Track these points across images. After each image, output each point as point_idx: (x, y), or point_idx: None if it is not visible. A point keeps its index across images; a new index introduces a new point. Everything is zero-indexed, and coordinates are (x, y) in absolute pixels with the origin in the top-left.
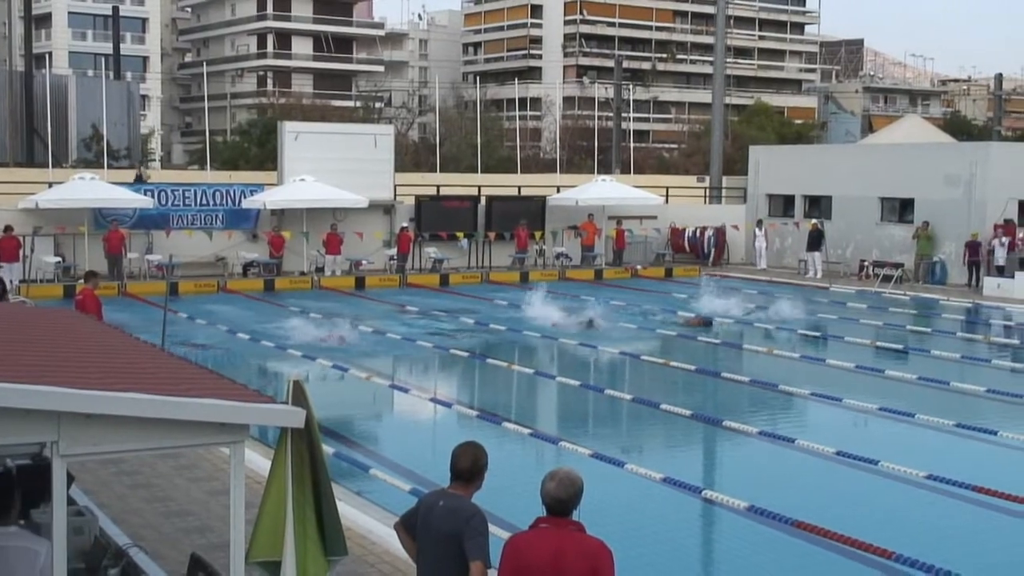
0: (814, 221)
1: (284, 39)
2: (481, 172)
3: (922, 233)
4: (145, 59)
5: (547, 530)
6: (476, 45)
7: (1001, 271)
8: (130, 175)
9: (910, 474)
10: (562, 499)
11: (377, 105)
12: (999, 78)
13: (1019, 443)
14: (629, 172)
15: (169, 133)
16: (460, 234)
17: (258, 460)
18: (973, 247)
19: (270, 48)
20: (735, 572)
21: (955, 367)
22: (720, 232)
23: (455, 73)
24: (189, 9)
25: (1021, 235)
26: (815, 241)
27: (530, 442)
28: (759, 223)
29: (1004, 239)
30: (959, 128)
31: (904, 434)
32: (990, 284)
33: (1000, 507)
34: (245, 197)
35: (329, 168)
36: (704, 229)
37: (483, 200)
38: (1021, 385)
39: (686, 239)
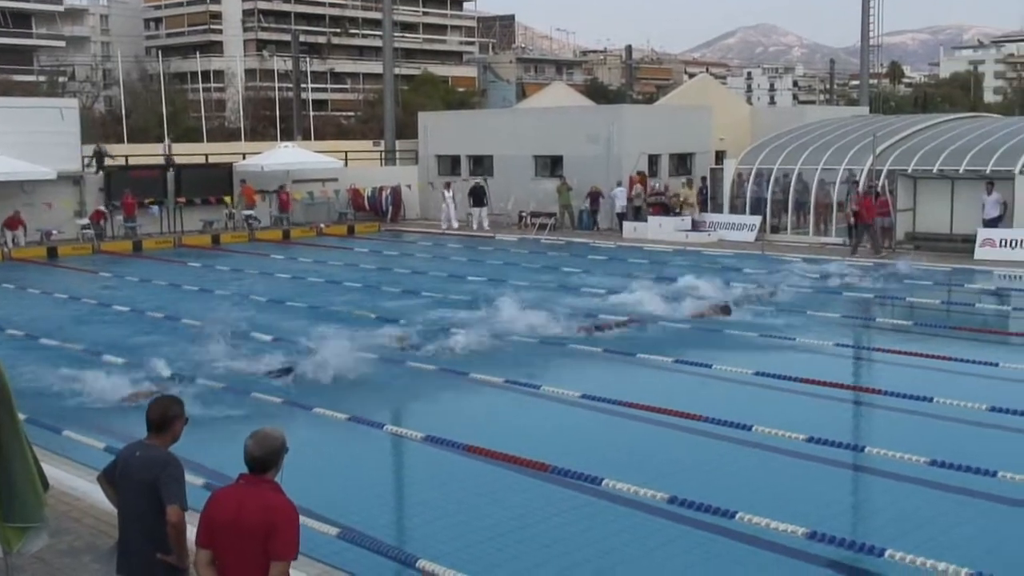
0: (478, 179)
1: None
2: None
3: (562, 187)
4: None
5: (240, 486)
6: (157, 20)
7: (622, 217)
8: None
9: (567, 395)
10: (257, 457)
11: (61, 79)
12: (629, 49)
13: (659, 363)
14: (310, 139)
15: None
16: (150, 201)
17: None
18: (594, 197)
19: None
20: (422, 492)
21: (601, 301)
22: (396, 191)
23: (138, 47)
24: None
25: (651, 185)
26: (479, 197)
27: (225, 396)
28: (447, 185)
29: (620, 190)
30: (598, 93)
31: (561, 361)
32: (628, 228)
33: (646, 418)
34: None
35: (14, 141)
36: (382, 189)
37: (172, 169)
38: (660, 311)
39: (366, 199)
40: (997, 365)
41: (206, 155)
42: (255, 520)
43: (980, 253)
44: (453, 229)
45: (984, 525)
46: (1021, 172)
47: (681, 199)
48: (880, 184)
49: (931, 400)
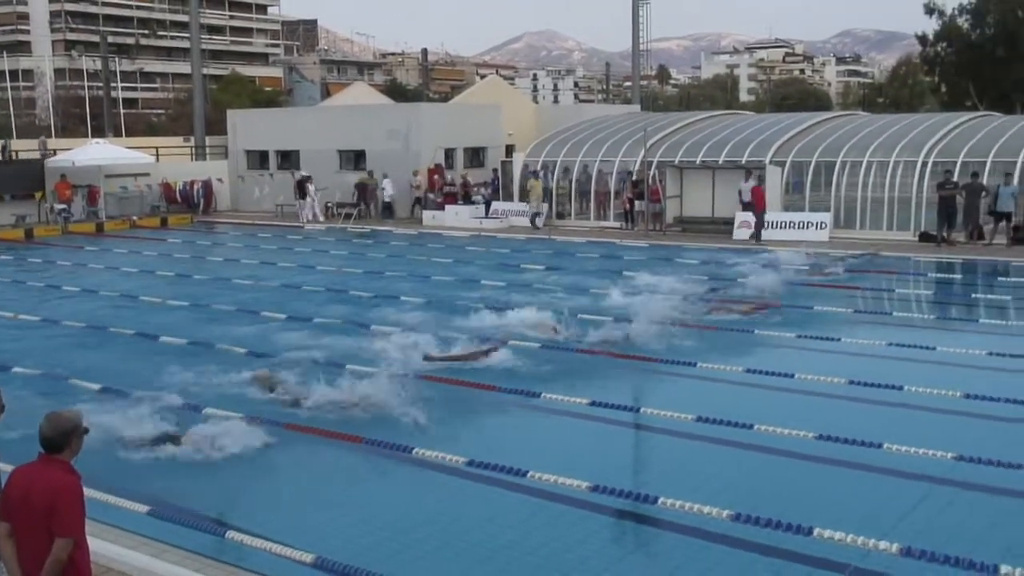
0: (303, 174)
1: None
2: None
3: (366, 180)
4: None
5: (35, 464)
6: None
7: (389, 207)
8: None
9: (364, 371)
10: (48, 436)
11: None
12: (425, 52)
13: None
14: (122, 135)
15: None
16: None
17: None
18: (360, 189)
19: None
20: (243, 469)
21: (414, 280)
22: (207, 184)
23: None
24: None
25: (448, 177)
26: (302, 189)
27: (40, 382)
28: (308, 179)
29: (387, 181)
30: (397, 92)
31: (360, 332)
32: (428, 216)
33: (450, 391)
34: None
35: None
36: (193, 182)
37: None
38: (466, 289)
39: (177, 192)
40: (752, 332)
41: (16, 151)
42: (40, 497)
43: (738, 234)
44: (319, 222)
45: (742, 471)
46: (771, 162)
47: (528, 189)
48: (652, 174)
49: (695, 365)
